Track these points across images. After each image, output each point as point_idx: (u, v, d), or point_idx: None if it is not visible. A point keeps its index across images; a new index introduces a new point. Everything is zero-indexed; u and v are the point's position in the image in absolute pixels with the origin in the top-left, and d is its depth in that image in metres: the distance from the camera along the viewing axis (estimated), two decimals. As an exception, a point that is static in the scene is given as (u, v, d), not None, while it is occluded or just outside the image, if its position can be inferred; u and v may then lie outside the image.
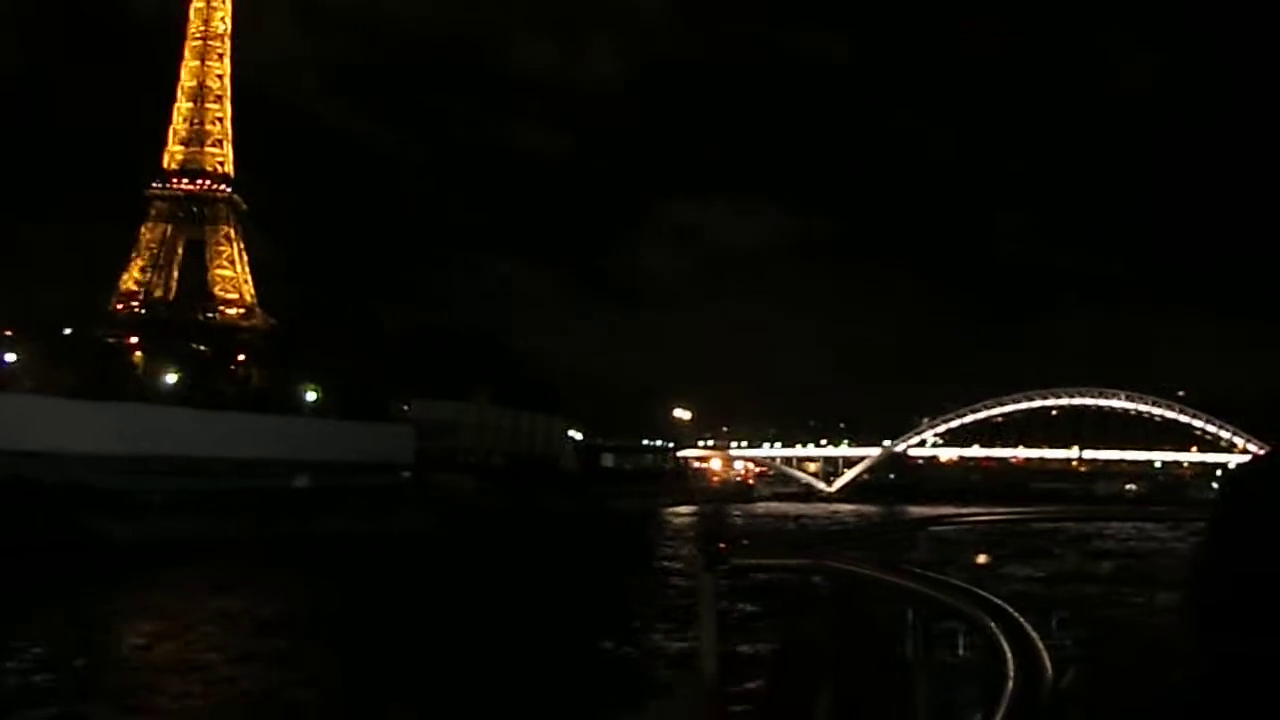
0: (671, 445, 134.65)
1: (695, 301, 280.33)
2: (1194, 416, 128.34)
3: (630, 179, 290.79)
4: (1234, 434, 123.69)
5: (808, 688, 3.07)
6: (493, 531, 57.06)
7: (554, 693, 19.06)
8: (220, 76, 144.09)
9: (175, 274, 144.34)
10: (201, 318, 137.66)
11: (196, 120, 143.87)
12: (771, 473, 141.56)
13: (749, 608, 10.53)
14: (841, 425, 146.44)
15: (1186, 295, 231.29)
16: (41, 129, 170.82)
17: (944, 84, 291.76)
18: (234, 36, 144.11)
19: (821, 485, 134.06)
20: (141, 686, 20.76)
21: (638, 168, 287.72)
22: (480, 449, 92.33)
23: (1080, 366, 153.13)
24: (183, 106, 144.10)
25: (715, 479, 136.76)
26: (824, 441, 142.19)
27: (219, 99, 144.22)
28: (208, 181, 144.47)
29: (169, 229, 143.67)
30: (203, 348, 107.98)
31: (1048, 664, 2.94)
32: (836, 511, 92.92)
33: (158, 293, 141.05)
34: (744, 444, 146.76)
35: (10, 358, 74.57)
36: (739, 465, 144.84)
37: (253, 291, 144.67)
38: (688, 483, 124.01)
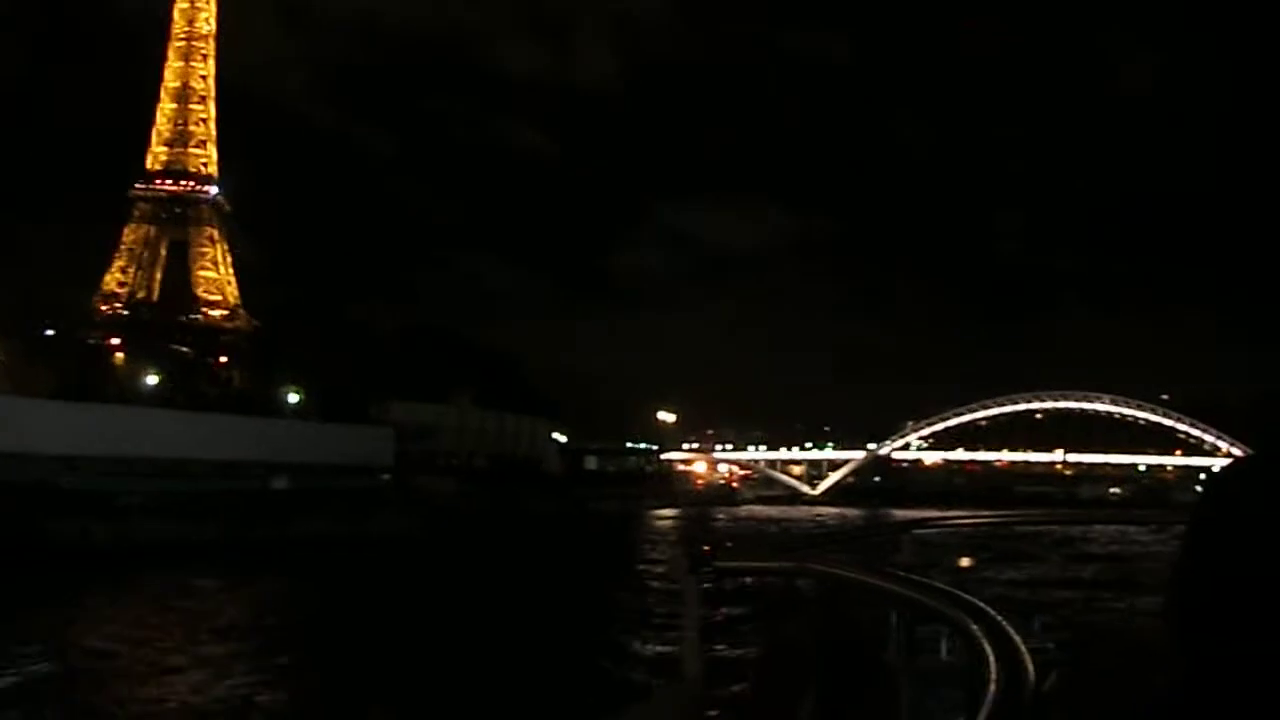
0: (656, 448, 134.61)
1: (695, 302, 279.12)
2: (1178, 420, 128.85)
3: (629, 179, 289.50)
4: (1218, 438, 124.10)
5: (791, 691, 3.06)
6: (473, 533, 57.03)
7: (534, 696, 18.98)
8: (204, 77, 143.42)
9: (158, 275, 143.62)
10: (184, 319, 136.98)
11: (180, 121, 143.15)
12: (756, 476, 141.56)
13: (732, 611, 10.51)
14: (826, 428, 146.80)
15: (1186, 295, 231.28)
16: (23, 129, 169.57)
17: (944, 84, 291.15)
18: (218, 37, 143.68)
19: (806, 488, 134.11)
20: (113, 692, 20.61)
21: (637, 168, 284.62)
22: (463, 451, 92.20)
23: (1079, 367, 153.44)
24: (166, 107, 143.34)
25: (699, 482, 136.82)
26: (809, 445, 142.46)
27: (203, 100, 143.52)
28: (191, 183, 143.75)
29: (152, 230, 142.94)
30: (185, 349, 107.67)
31: (1030, 667, 2.94)
32: (820, 515, 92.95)
33: (140, 294, 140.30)
34: (729, 447, 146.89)
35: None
36: (723, 468, 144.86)
37: (236, 293, 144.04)
38: (671, 485, 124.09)
